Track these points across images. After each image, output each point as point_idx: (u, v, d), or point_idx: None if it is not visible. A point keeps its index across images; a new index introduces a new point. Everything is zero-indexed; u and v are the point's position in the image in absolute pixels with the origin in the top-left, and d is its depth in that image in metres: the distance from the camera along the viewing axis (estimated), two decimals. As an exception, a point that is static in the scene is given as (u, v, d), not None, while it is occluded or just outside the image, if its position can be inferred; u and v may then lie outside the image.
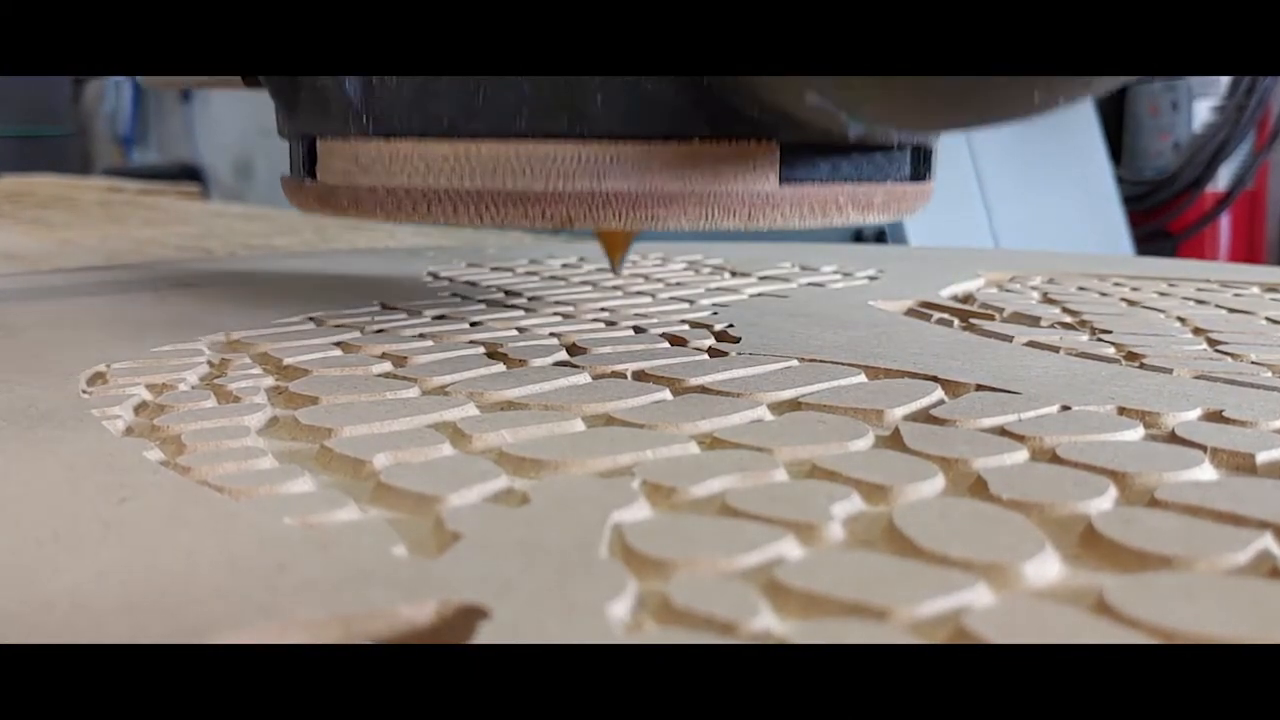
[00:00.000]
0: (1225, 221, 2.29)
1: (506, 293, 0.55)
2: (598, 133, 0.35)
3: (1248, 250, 2.31)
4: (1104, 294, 0.57)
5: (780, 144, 0.36)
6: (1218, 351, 0.41)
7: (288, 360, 0.38)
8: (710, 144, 0.35)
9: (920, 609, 0.19)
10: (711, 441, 0.29)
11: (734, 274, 0.63)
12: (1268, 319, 0.49)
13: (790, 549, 0.22)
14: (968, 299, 0.56)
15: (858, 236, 1.76)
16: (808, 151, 0.37)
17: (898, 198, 0.39)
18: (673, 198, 0.35)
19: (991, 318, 0.49)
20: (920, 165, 0.40)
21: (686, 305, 0.51)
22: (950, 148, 1.72)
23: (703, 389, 0.35)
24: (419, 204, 0.36)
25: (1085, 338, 0.44)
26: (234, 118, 2.68)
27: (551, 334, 0.43)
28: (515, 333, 0.43)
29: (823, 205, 0.37)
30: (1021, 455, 0.28)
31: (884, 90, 0.29)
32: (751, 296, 0.54)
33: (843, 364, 0.37)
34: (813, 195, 0.37)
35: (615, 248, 0.46)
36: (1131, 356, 0.40)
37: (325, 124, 0.38)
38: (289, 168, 0.44)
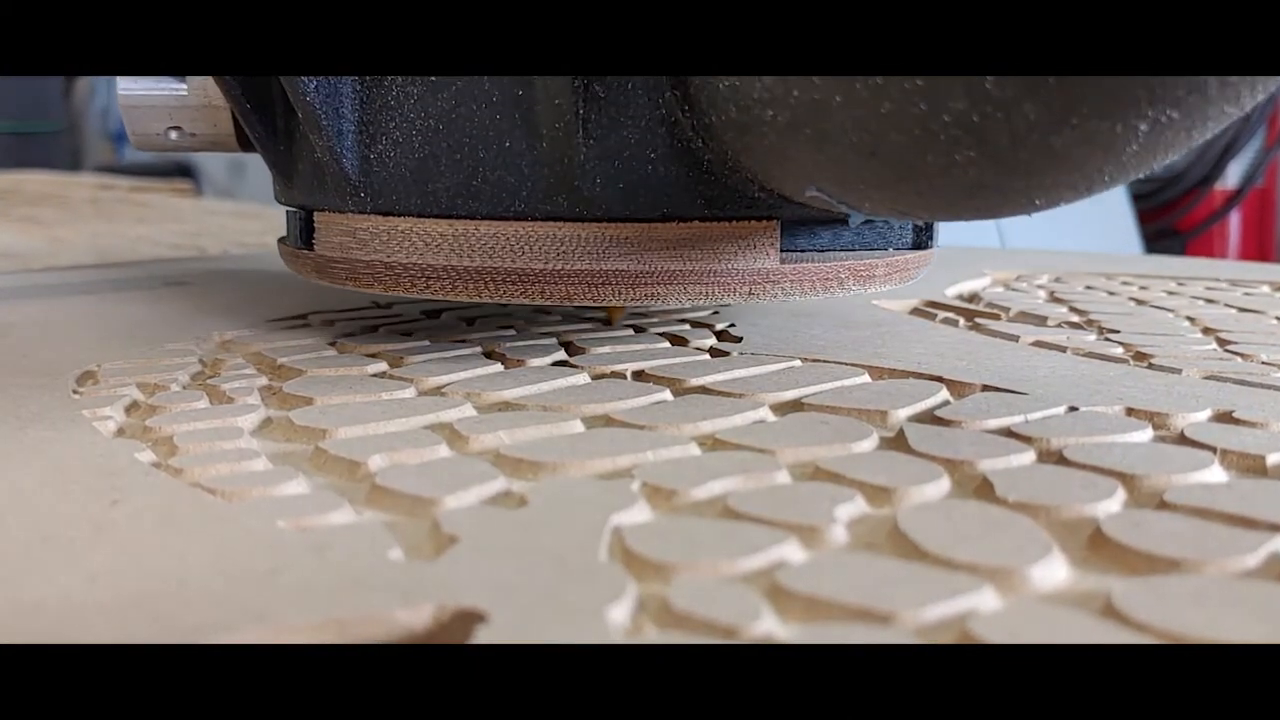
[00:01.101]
0: (1235, 219, 2.28)
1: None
2: (597, 214, 0.35)
3: (1258, 248, 2.30)
4: (1112, 293, 0.57)
5: (780, 220, 0.36)
6: (1227, 351, 0.41)
7: (281, 360, 0.38)
8: (710, 224, 0.35)
9: (925, 613, 0.19)
10: (713, 443, 0.29)
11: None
12: (1278, 318, 0.49)
13: (793, 552, 0.22)
14: (973, 298, 0.56)
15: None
16: (808, 223, 0.37)
17: (900, 267, 0.39)
18: (673, 276, 0.35)
19: (997, 317, 0.49)
20: (923, 234, 0.40)
21: (686, 305, 0.50)
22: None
23: (704, 389, 0.34)
24: (417, 280, 0.36)
25: (1093, 337, 0.44)
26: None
27: (550, 333, 0.42)
28: (513, 332, 0.43)
29: (824, 280, 0.37)
30: (1028, 457, 0.27)
31: (884, 188, 0.29)
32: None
33: (846, 364, 0.37)
34: (814, 272, 0.37)
35: (614, 308, 0.46)
36: (1140, 356, 0.40)
37: (323, 198, 0.38)
38: (286, 232, 0.44)
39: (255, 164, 2.44)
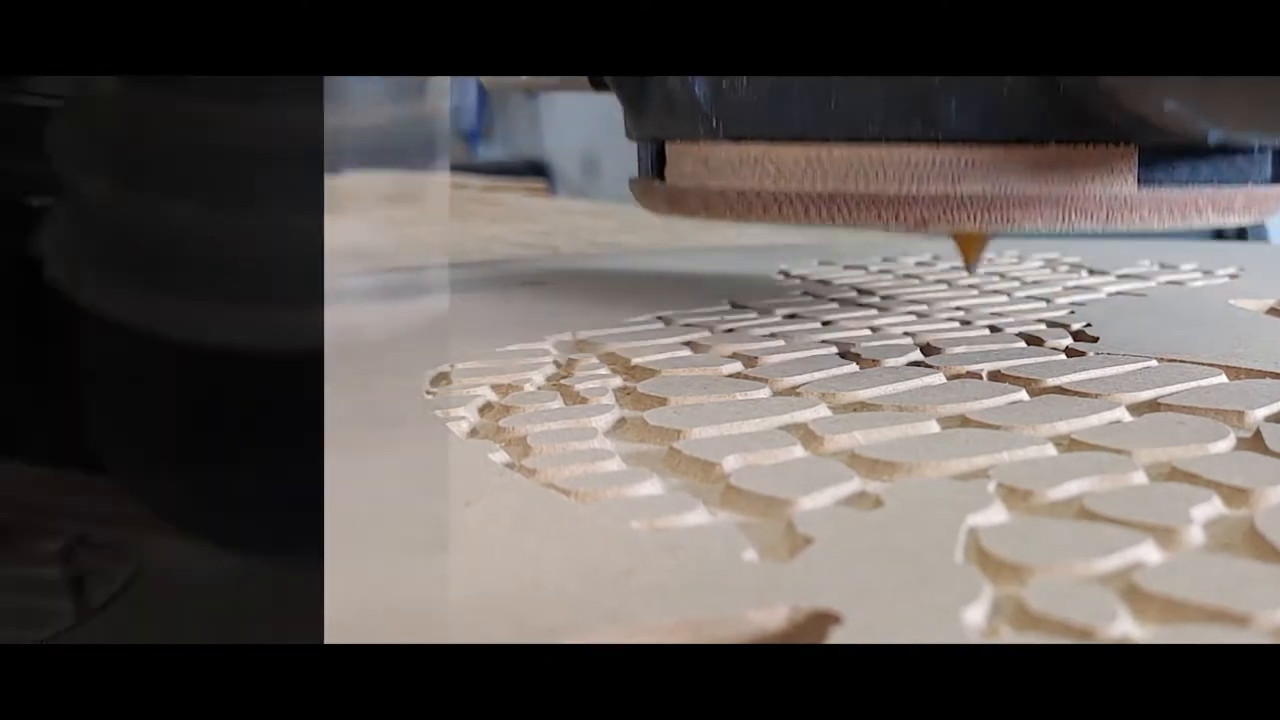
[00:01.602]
0: None
1: (859, 291, 0.54)
2: (952, 136, 0.34)
3: None
4: None
5: (1138, 147, 0.35)
6: None
7: (636, 360, 0.38)
8: (1066, 147, 0.34)
9: (1285, 615, 0.18)
10: (1069, 443, 0.29)
11: (1091, 272, 0.61)
12: None
13: (1149, 553, 0.21)
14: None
15: (1218, 234, 1.70)
16: (1166, 154, 0.36)
17: (1259, 200, 0.38)
18: (1029, 200, 0.34)
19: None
20: None
21: (1043, 304, 0.50)
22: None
23: (1060, 389, 0.34)
24: (769, 207, 0.36)
25: None
26: (581, 113, 2.67)
27: (905, 333, 0.42)
28: (868, 332, 0.43)
29: (1182, 208, 0.36)
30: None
31: (1247, 97, 0.28)
32: (1109, 295, 0.52)
33: (1203, 364, 0.36)
34: (1172, 199, 0.36)
35: (971, 248, 0.45)
36: None
37: (674, 128, 0.38)
38: (637, 169, 0.44)
39: (609, 163, 2.47)
